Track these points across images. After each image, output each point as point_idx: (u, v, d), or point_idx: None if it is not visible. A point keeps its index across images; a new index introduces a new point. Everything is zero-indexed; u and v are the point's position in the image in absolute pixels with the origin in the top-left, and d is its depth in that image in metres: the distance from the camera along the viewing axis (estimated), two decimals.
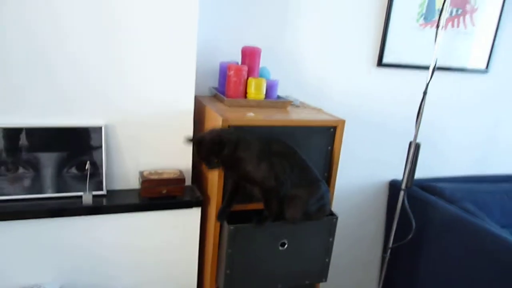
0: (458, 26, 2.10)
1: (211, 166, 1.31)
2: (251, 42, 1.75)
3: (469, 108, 2.34)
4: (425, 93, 1.65)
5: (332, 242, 1.54)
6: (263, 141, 1.35)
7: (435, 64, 1.64)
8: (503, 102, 2.41)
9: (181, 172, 1.52)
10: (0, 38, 1.26)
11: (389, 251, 1.89)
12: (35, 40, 1.30)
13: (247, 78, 1.60)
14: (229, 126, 1.35)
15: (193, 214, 1.53)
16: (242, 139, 1.31)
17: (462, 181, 2.32)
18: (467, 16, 2.10)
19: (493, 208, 2.18)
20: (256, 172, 1.33)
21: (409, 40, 2.03)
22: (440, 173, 2.39)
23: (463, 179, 2.37)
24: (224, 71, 1.64)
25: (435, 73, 2.11)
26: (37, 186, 1.38)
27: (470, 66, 2.23)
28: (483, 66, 2.25)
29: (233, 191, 1.42)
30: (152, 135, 1.50)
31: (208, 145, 1.27)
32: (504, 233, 1.77)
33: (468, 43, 2.17)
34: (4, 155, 1.33)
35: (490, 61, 2.25)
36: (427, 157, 2.31)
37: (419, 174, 2.27)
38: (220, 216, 1.42)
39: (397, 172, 2.13)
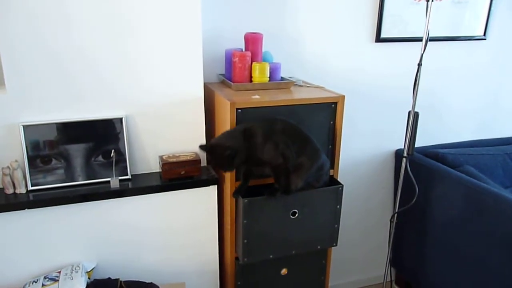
0: None
1: (227, 171, 1.47)
2: (253, 29, 1.82)
3: (470, 75, 2.37)
4: (419, 64, 1.72)
5: (339, 209, 1.65)
6: (264, 123, 1.44)
7: (428, 36, 1.71)
8: (502, 67, 2.43)
9: (196, 154, 1.64)
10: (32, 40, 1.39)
11: (395, 215, 1.99)
12: (52, 46, 1.42)
13: (251, 63, 1.68)
14: (236, 110, 1.46)
15: (211, 191, 1.65)
16: (248, 130, 1.41)
17: (465, 146, 2.34)
18: None
19: (495, 170, 2.22)
20: (264, 155, 1.43)
21: (405, 14, 2.08)
22: (444, 140, 2.43)
23: (466, 143, 2.40)
24: (229, 58, 1.72)
25: (435, 43, 2.20)
26: (69, 175, 1.52)
27: (468, 34, 2.27)
28: (481, 34, 2.29)
29: (246, 173, 1.54)
30: (167, 122, 1.62)
31: (219, 158, 1.40)
32: (506, 193, 1.80)
33: (464, 13, 2.21)
34: (39, 149, 1.46)
35: (487, 29, 2.28)
36: (430, 126, 2.38)
37: (423, 142, 2.37)
38: (236, 193, 1.53)
39: (403, 142, 2.20)
